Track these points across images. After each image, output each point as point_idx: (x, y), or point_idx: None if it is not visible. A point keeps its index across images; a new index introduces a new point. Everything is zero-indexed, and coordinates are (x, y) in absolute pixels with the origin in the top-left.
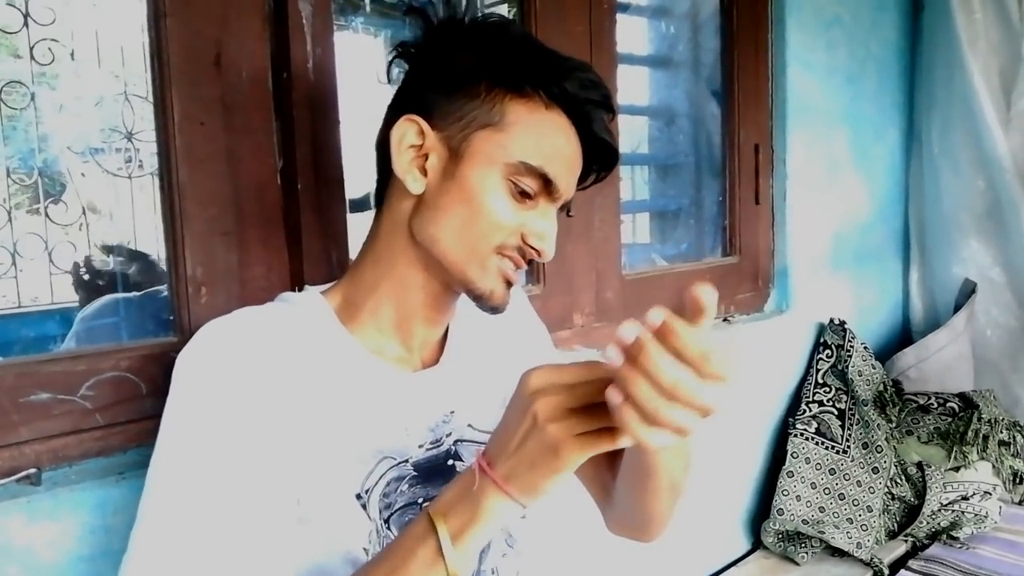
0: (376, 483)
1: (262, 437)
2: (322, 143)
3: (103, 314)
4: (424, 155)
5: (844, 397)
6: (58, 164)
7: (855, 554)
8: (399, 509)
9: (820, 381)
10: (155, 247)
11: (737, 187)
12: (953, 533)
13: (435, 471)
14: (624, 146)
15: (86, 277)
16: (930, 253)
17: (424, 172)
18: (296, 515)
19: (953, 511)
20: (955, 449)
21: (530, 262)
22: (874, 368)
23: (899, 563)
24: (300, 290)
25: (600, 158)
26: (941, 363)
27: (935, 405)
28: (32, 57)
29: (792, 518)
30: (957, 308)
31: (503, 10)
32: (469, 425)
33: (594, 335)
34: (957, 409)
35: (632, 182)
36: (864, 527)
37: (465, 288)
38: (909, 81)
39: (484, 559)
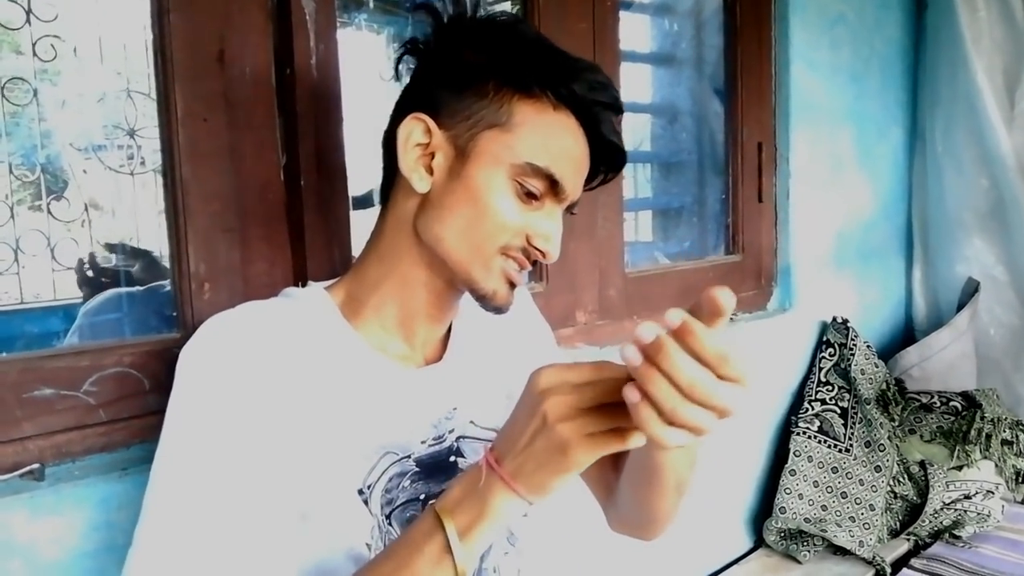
0: (378, 479)
1: (265, 433)
2: (325, 140)
3: (106, 310)
4: (430, 154)
5: (847, 395)
6: (60, 161)
7: (857, 553)
8: (400, 505)
9: (823, 379)
10: (157, 243)
11: (740, 185)
12: (955, 532)
13: (437, 467)
14: (627, 144)
15: (88, 273)
16: (933, 252)
17: (430, 171)
18: (299, 511)
19: (955, 510)
20: (958, 448)
21: (534, 262)
22: (877, 367)
23: (901, 562)
24: (303, 286)
25: (608, 160)
26: (944, 362)
27: (938, 404)
28: (35, 54)
29: (794, 516)
30: (960, 307)
31: (506, 7)
32: (472, 422)
33: (597, 333)
34: (960, 408)
35: (635, 180)
36: (866, 526)
37: (469, 288)
38: (913, 79)
39: (486, 557)
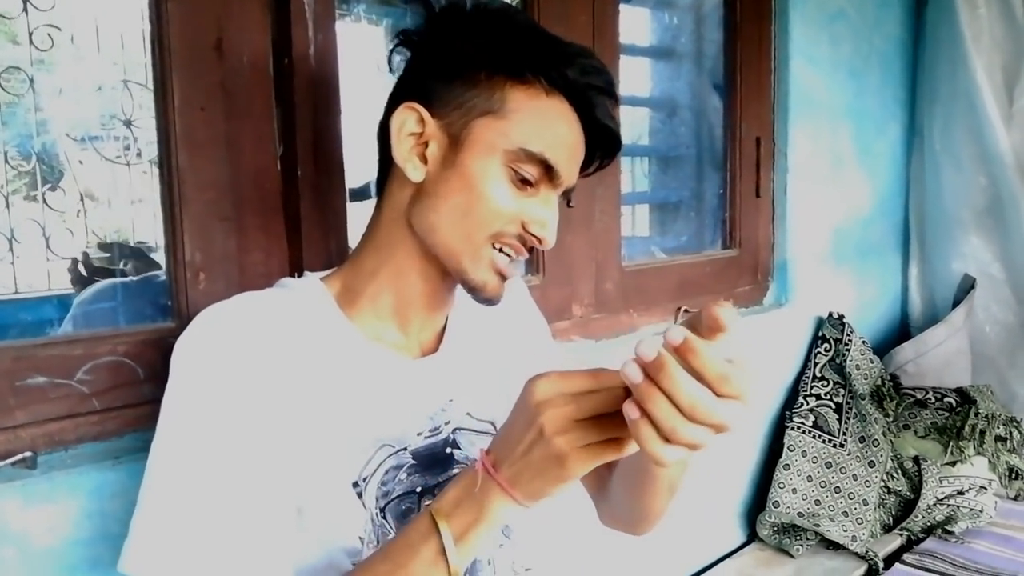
0: (374, 471)
1: (261, 425)
2: (323, 130)
3: (100, 299)
4: (424, 143)
5: (841, 391)
6: (56, 151)
7: (850, 547)
8: (396, 498)
9: (818, 375)
10: (153, 234)
11: (738, 180)
12: (948, 527)
13: (434, 459)
14: (625, 137)
15: (83, 263)
16: (930, 248)
17: (424, 160)
18: (295, 503)
19: (949, 506)
20: (952, 444)
21: (531, 250)
22: (872, 362)
23: (894, 557)
24: (299, 276)
25: (603, 145)
26: (939, 358)
27: (932, 400)
28: (31, 43)
29: (788, 511)
30: (956, 304)
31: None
32: (468, 414)
33: (593, 326)
34: (954, 404)
35: (632, 174)
36: (859, 520)
37: (459, 278)
38: (912, 76)
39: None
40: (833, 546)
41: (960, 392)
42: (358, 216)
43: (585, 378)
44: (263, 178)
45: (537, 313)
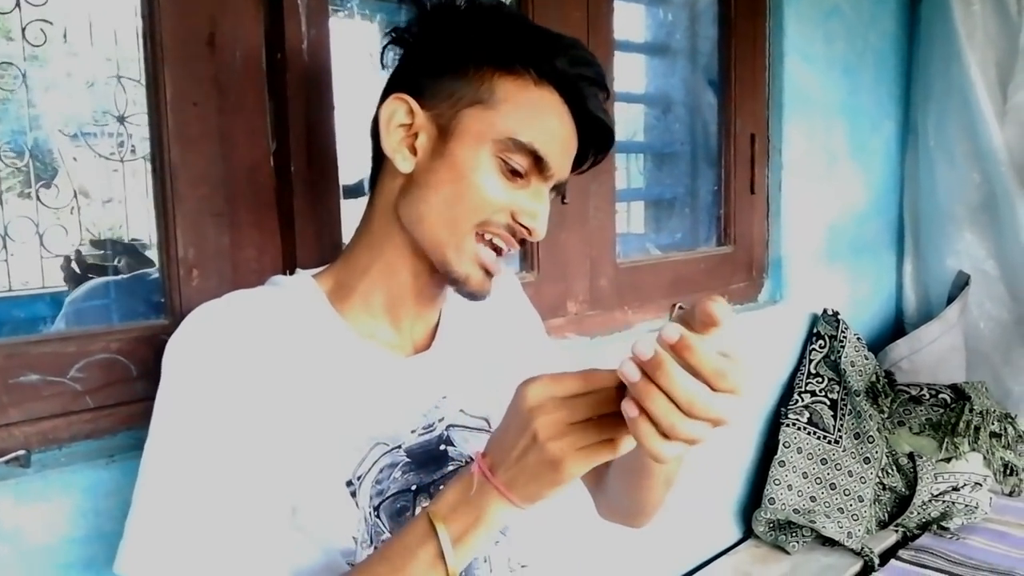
0: (369, 470)
1: (254, 424)
2: (316, 126)
3: (93, 296)
4: (414, 134)
5: (836, 387)
6: (49, 147)
7: (846, 544)
8: (391, 496)
9: (813, 371)
10: (146, 230)
11: (733, 177)
12: (943, 523)
13: (428, 457)
14: (620, 134)
15: (77, 260)
16: (924, 245)
17: (414, 151)
18: (290, 503)
19: (944, 502)
20: (946, 440)
21: (523, 242)
22: (867, 359)
23: (889, 553)
24: (292, 273)
25: (595, 138)
26: (933, 355)
27: (927, 396)
28: (24, 38)
29: (783, 507)
30: (950, 300)
31: None
32: (461, 410)
33: (587, 323)
34: (949, 400)
35: (627, 171)
36: (855, 517)
37: (443, 271)
38: (906, 73)
39: None
40: (829, 542)
41: (955, 388)
42: (352, 213)
43: (576, 380)
44: (256, 174)
45: (531, 309)
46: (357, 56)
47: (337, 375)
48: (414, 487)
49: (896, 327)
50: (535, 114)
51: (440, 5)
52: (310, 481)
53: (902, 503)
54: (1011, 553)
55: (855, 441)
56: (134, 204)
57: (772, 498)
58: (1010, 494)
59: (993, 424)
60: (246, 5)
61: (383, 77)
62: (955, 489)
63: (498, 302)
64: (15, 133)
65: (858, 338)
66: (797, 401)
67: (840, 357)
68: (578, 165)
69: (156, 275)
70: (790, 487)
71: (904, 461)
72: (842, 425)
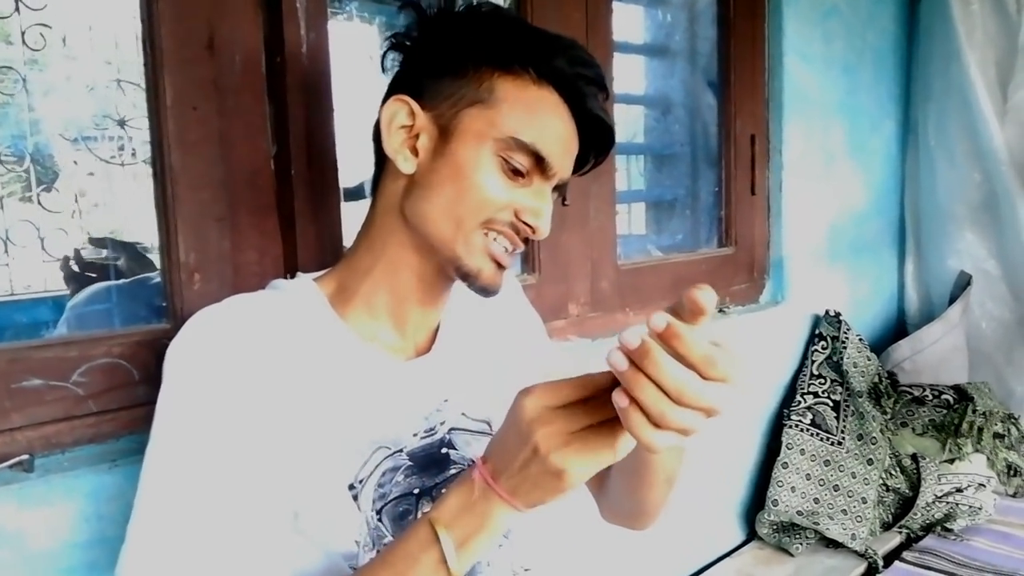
0: (371, 473)
1: (255, 429)
2: (316, 129)
3: (95, 301)
4: (415, 135)
5: (839, 389)
6: (50, 151)
7: (849, 545)
8: (393, 500)
9: (815, 372)
10: (147, 234)
11: (733, 178)
12: (947, 525)
13: (430, 460)
14: (620, 136)
15: (78, 264)
16: (925, 245)
17: (415, 152)
18: (292, 508)
19: (947, 503)
20: (950, 441)
21: (526, 241)
22: (869, 360)
23: (893, 554)
24: (293, 277)
25: (596, 138)
26: (936, 355)
27: (930, 397)
28: (24, 42)
29: (787, 509)
30: (952, 300)
31: None
32: (463, 414)
33: (589, 325)
34: (952, 401)
35: (628, 172)
36: (859, 518)
37: (454, 267)
38: (906, 72)
39: None
40: (832, 544)
41: (957, 389)
42: (353, 215)
43: (573, 387)
44: (257, 177)
45: (531, 311)
46: (356, 59)
47: (338, 379)
48: (416, 490)
49: (898, 328)
50: (535, 113)
51: (439, 9)
52: (312, 485)
53: (906, 504)
54: (1015, 554)
55: (858, 442)
56: (134, 208)
57: (775, 500)
58: (1014, 495)
59: (996, 425)
60: (245, 8)
61: (383, 80)
62: (959, 490)
63: (499, 305)
64: (15, 137)
65: (860, 339)
66: (800, 402)
67: (842, 358)
68: (580, 166)
69: (157, 279)
70: (793, 489)
71: (907, 462)
72: (845, 426)
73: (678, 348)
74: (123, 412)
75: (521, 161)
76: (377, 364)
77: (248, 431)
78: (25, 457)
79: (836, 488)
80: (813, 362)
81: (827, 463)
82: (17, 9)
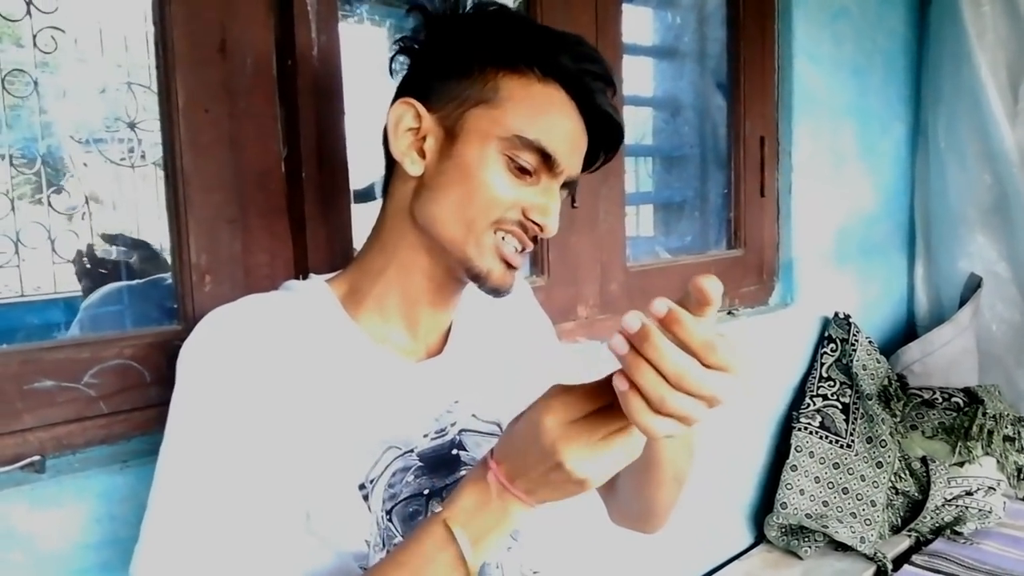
0: (381, 473)
1: (268, 429)
2: (327, 131)
3: (107, 302)
4: (422, 137)
5: (848, 391)
6: (61, 153)
7: (858, 548)
8: (403, 500)
9: (824, 375)
10: (158, 236)
11: (742, 180)
12: (957, 528)
13: (440, 461)
14: (629, 137)
15: (89, 266)
16: (935, 247)
17: (422, 154)
18: (304, 507)
19: (957, 506)
20: (959, 444)
21: (535, 240)
22: (878, 362)
23: (902, 558)
24: (304, 278)
25: (604, 135)
26: (946, 358)
27: (940, 400)
28: (35, 45)
29: (795, 512)
30: (962, 303)
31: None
32: (473, 415)
33: (598, 327)
34: (962, 404)
35: (636, 174)
36: (868, 522)
37: (464, 268)
38: (916, 74)
39: None
40: (841, 547)
41: (967, 392)
42: (363, 217)
43: (590, 397)
44: (267, 179)
45: (541, 313)
46: (367, 61)
47: (350, 379)
48: (426, 491)
49: (908, 330)
50: (540, 111)
51: (444, 11)
52: (323, 485)
53: (915, 508)
54: None
55: (867, 445)
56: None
57: (784, 503)
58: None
59: (1007, 428)
60: (257, 11)
61: (393, 82)
62: (968, 493)
63: (509, 306)
64: (27, 140)
65: (870, 341)
66: (809, 405)
67: (852, 360)
68: (589, 163)
69: (169, 280)
70: (802, 492)
71: (917, 465)
72: (854, 429)
73: (679, 334)
74: (134, 413)
75: (527, 159)
76: (388, 365)
77: (261, 431)
78: (36, 458)
79: (845, 491)
80: (822, 364)
81: (836, 466)
82: (29, 12)
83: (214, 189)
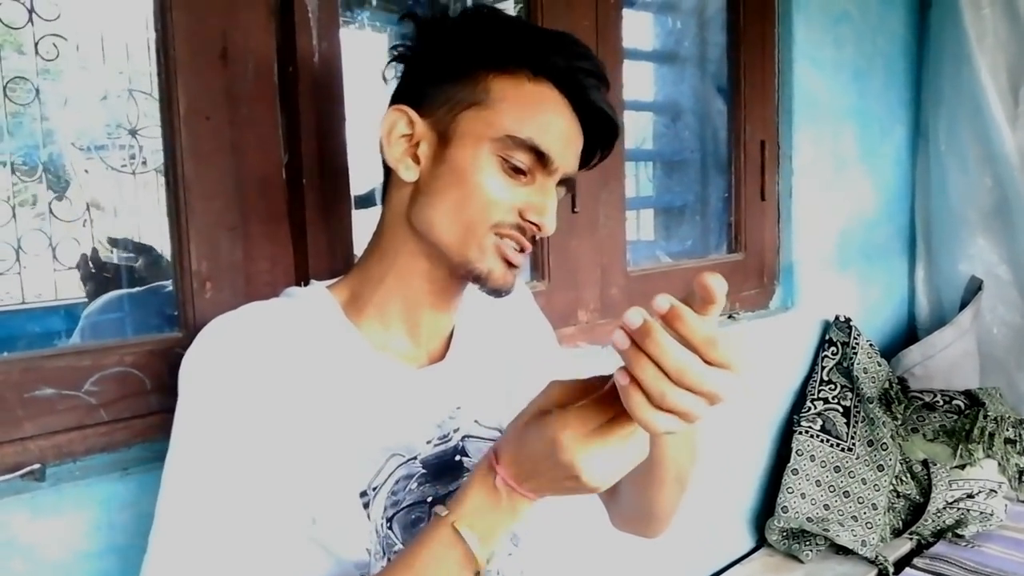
0: (384, 481)
1: (271, 437)
2: (328, 137)
3: (107, 310)
4: (415, 143)
5: (849, 394)
6: (62, 160)
7: (860, 552)
8: (406, 507)
9: (825, 378)
10: (159, 243)
11: (743, 183)
12: (958, 531)
13: (443, 468)
14: (629, 142)
15: (90, 273)
16: (936, 250)
17: (417, 160)
18: (309, 515)
19: (958, 509)
20: (961, 447)
21: (533, 240)
22: (880, 365)
23: (904, 561)
24: (305, 285)
25: (600, 131)
26: (947, 361)
27: (941, 403)
28: (37, 53)
29: (797, 516)
30: (963, 306)
31: (509, 5)
32: (476, 421)
33: (599, 332)
34: (963, 407)
35: (637, 178)
36: (869, 525)
37: (465, 271)
38: (916, 77)
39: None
40: (843, 551)
41: (968, 395)
42: (363, 224)
43: (603, 407)
44: (268, 186)
45: (542, 318)
46: (368, 68)
47: (352, 386)
48: (430, 499)
49: (909, 333)
50: (532, 110)
51: (435, 16)
52: (326, 493)
53: (916, 511)
54: None
55: (868, 448)
56: (145, 216)
57: (785, 506)
58: None
59: (1008, 430)
60: (258, 18)
61: (391, 90)
62: (970, 496)
63: (510, 311)
64: (29, 147)
65: (870, 344)
66: (810, 408)
67: (852, 364)
68: (586, 160)
69: (170, 287)
70: (803, 495)
71: (918, 468)
72: (855, 432)
73: (680, 330)
74: (135, 421)
75: (521, 159)
76: (390, 372)
77: (266, 440)
78: (37, 466)
79: (846, 494)
80: (823, 368)
81: (837, 469)
82: (31, 20)
83: (215, 196)
